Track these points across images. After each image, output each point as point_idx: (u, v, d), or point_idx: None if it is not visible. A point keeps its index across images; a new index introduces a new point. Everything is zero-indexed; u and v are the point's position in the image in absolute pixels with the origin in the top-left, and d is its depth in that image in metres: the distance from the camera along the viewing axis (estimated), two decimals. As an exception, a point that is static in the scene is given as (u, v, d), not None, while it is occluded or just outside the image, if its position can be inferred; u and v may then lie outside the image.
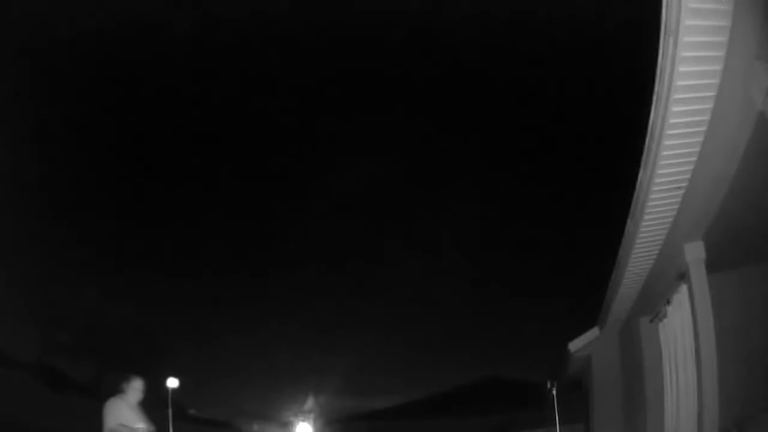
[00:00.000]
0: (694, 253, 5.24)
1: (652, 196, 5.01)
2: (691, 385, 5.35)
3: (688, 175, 4.74)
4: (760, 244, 5.01)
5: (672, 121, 4.08)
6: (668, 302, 6.16)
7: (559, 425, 8.82)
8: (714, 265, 5.19)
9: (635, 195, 5.35)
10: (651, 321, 7.15)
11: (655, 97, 4.13)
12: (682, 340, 5.73)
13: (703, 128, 4.19)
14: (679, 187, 4.92)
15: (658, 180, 4.76)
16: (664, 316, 6.41)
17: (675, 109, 3.98)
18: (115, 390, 5.61)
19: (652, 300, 7.01)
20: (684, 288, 5.52)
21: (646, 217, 5.37)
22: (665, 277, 6.17)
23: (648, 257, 6.44)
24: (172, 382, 13.62)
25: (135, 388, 5.62)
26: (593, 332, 10.38)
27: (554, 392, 8.58)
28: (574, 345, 10.62)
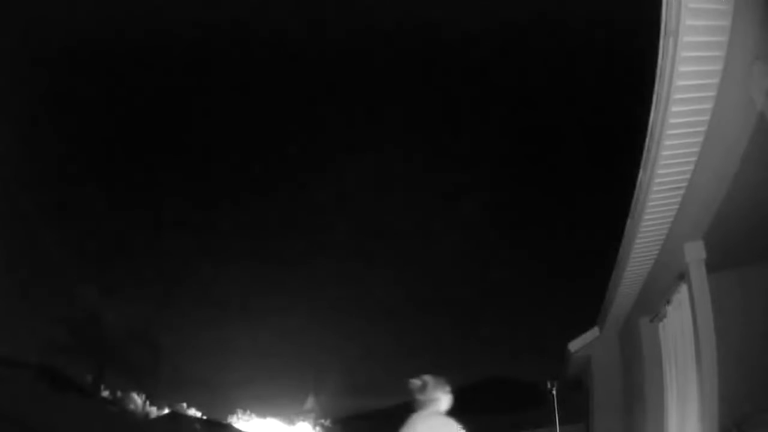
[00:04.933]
0: (694, 253, 5.23)
1: (652, 196, 5.01)
2: (691, 385, 5.35)
3: (688, 175, 4.74)
4: (760, 244, 5.00)
5: (672, 121, 4.08)
6: (668, 302, 6.16)
7: (559, 425, 8.83)
8: (714, 265, 5.18)
9: (635, 195, 5.35)
10: (651, 321, 7.15)
11: (655, 97, 4.13)
12: (682, 340, 5.72)
13: (703, 128, 4.19)
14: (679, 187, 4.92)
15: (658, 180, 4.76)
16: (664, 316, 6.41)
17: (675, 109, 3.98)
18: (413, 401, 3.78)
19: (652, 300, 7.01)
20: (684, 288, 5.52)
21: (646, 217, 5.37)
22: (665, 277, 6.17)
23: (648, 257, 6.44)
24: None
25: (446, 393, 3.76)
26: (593, 332, 10.38)
27: (554, 392, 8.60)
28: (574, 345, 10.61)
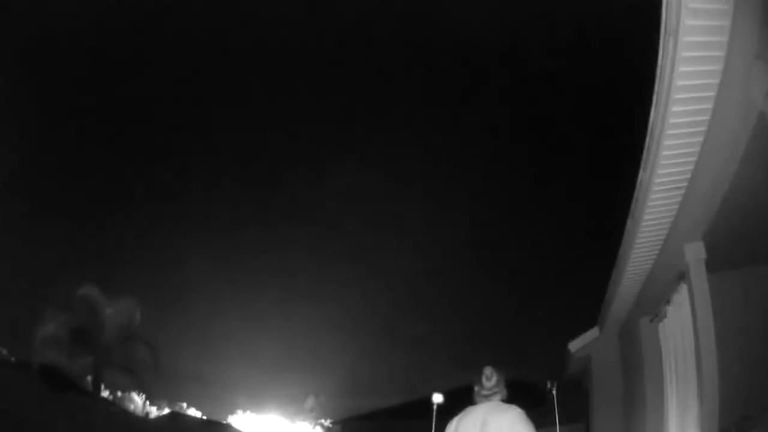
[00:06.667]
0: (694, 253, 5.24)
1: (652, 196, 5.01)
2: (691, 385, 5.35)
3: (688, 175, 4.73)
4: (760, 244, 5.00)
5: (672, 121, 4.08)
6: (668, 302, 6.16)
7: (559, 425, 8.82)
8: (714, 265, 5.19)
9: (635, 195, 5.35)
10: (651, 321, 7.15)
11: (655, 97, 4.13)
12: (682, 340, 5.72)
13: (703, 128, 4.19)
14: (679, 187, 4.91)
15: (658, 180, 4.75)
16: (664, 316, 6.41)
17: (675, 109, 3.98)
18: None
19: (652, 300, 7.01)
20: (684, 288, 5.52)
21: (646, 217, 5.37)
22: (665, 277, 6.17)
23: (648, 257, 6.44)
24: (437, 398, 13.11)
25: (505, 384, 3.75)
26: (593, 332, 10.38)
27: (554, 392, 8.59)
28: (574, 345, 10.61)
